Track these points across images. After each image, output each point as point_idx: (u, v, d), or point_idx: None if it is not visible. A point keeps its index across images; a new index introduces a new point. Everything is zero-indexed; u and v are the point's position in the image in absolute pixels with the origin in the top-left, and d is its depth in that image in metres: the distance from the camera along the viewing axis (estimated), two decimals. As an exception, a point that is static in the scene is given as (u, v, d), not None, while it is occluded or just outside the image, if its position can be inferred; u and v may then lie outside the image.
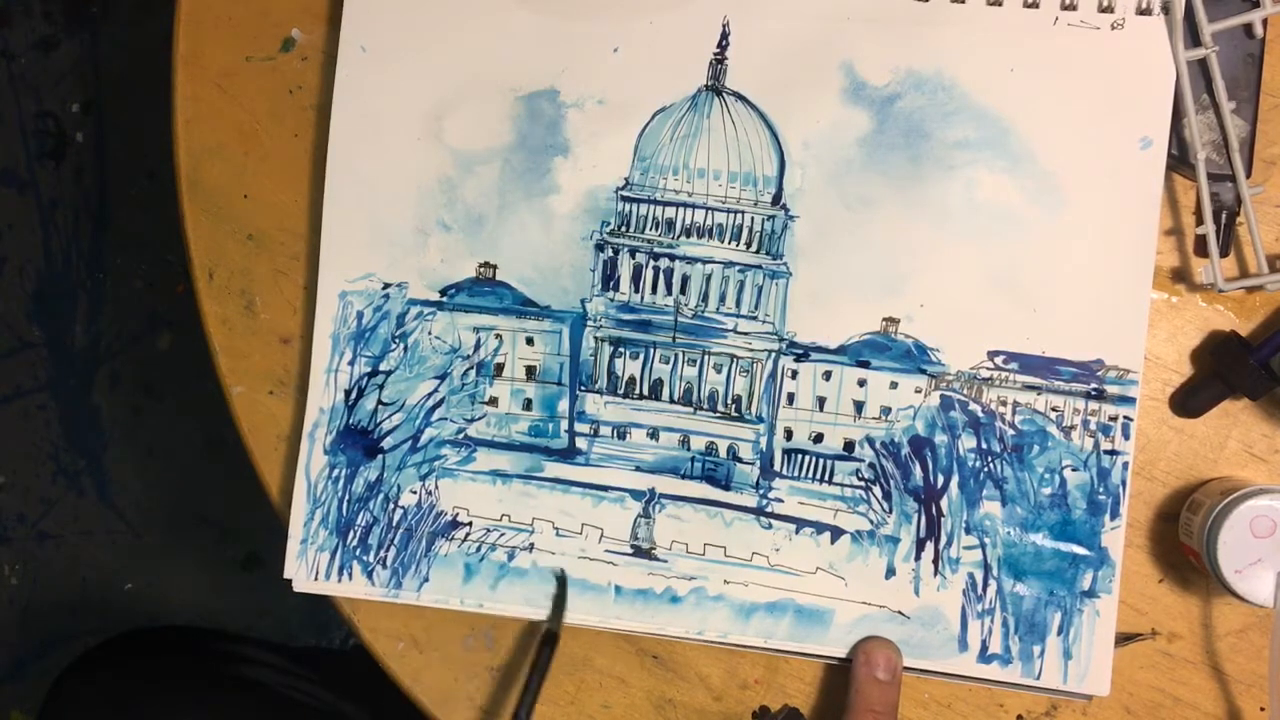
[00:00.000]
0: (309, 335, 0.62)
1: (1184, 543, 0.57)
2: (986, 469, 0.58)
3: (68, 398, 1.46)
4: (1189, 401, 0.58)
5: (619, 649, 0.62)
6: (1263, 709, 0.59)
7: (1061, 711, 0.60)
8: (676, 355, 0.60)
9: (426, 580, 0.60)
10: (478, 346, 0.61)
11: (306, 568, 0.61)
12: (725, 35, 0.59)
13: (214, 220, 0.64)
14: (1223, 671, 0.59)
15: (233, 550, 1.43)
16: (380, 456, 0.61)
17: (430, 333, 0.61)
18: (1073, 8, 0.57)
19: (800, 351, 0.59)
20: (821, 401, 0.59)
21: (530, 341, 0.61)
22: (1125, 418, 0.57)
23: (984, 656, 0.58)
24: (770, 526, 0.59)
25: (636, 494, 0.60)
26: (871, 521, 0.58)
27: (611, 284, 0.60)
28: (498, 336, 0.61)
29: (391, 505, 0.61)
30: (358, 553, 0.61)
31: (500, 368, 0.61)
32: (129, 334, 1.46)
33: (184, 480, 1.45)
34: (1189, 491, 0.58)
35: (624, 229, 0.60)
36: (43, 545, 1.47)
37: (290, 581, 0.61)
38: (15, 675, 1.46)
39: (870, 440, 0.59)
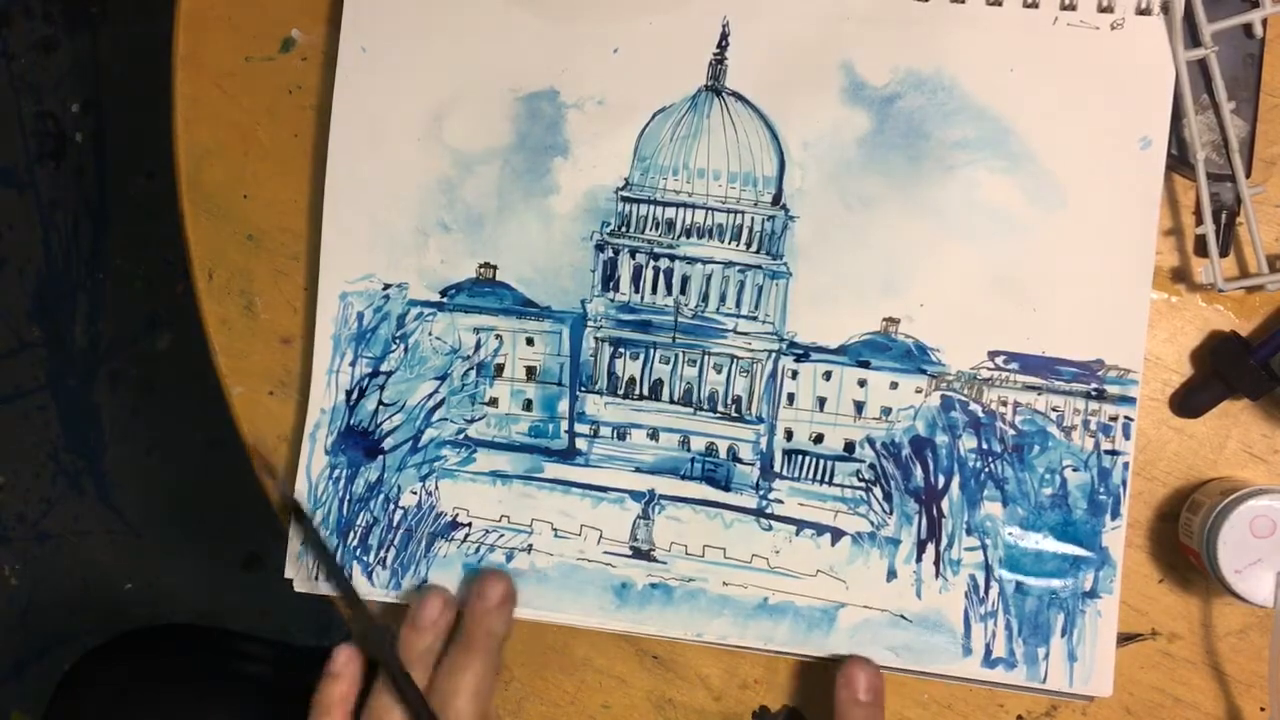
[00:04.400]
0: (309, 336, 0.62)
1: (1184, 543, 0.57)
2: (987, 469, 0.58)
3: (68, 398, 1.47)
4: (1189, 401, 0.58)
5: (619, 649, 0.62)
6: (1263, 709, 0.59)
7: (1061, 712, 0.60)
8: (676, 356, 0.60)
9: (425, 581, 0.60)
10: (478, 347, 0.61)
11: (307, 568, 0.61)
12: (725, 35, 0.59)
13: (214, 220, 0.63)
14: (1223, 671, 0.59)
15: (233, 550, 1.44)
16: (381, 457, 0.61)
17: (430, 333, 0.61)
18: (1072, 8, 0.57)
19: (800, 352, 0.59)
20: (822, 402, 0.59)
21: (530, 342, 0.61)
22: (1125, 418, 0.57)
23: (988, 661, 0.57)
24: (770, 528, 0.59)
25: (636, 495, 0.60)
26: (872, 523, 0.58)
27: (611, 284, 0.60)
28: (498, 337, 0.61)
29: (392, 506, 0.61)
30: (357, 553, 0.61)
31: (500, 368, 0.61)
32: (129, 334, 1.46)
33: (184, 480, 1.45)
34: (1189, 491, 0.58)
35: (624, 229, 0.60)
36: (43, 545, 1.47)
37: (291, 582, 0.61)
38: (15, 675, 1.47)
39: (871, 441, 0.59)
